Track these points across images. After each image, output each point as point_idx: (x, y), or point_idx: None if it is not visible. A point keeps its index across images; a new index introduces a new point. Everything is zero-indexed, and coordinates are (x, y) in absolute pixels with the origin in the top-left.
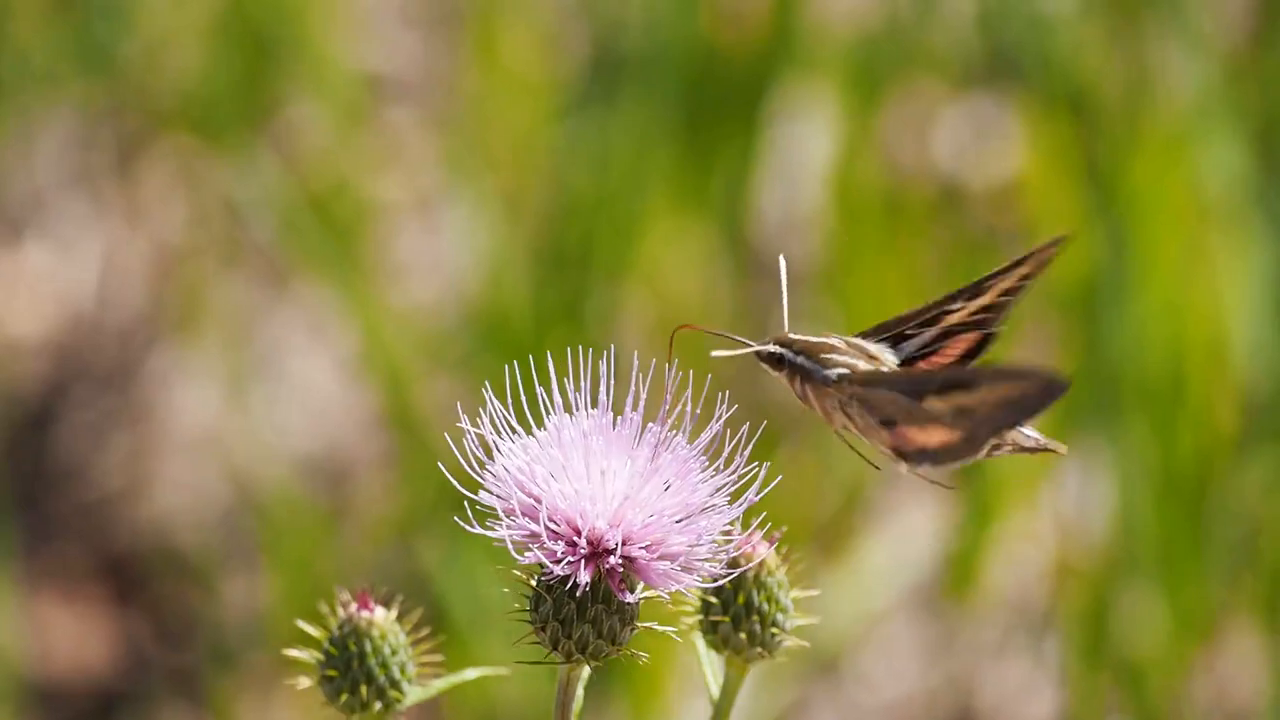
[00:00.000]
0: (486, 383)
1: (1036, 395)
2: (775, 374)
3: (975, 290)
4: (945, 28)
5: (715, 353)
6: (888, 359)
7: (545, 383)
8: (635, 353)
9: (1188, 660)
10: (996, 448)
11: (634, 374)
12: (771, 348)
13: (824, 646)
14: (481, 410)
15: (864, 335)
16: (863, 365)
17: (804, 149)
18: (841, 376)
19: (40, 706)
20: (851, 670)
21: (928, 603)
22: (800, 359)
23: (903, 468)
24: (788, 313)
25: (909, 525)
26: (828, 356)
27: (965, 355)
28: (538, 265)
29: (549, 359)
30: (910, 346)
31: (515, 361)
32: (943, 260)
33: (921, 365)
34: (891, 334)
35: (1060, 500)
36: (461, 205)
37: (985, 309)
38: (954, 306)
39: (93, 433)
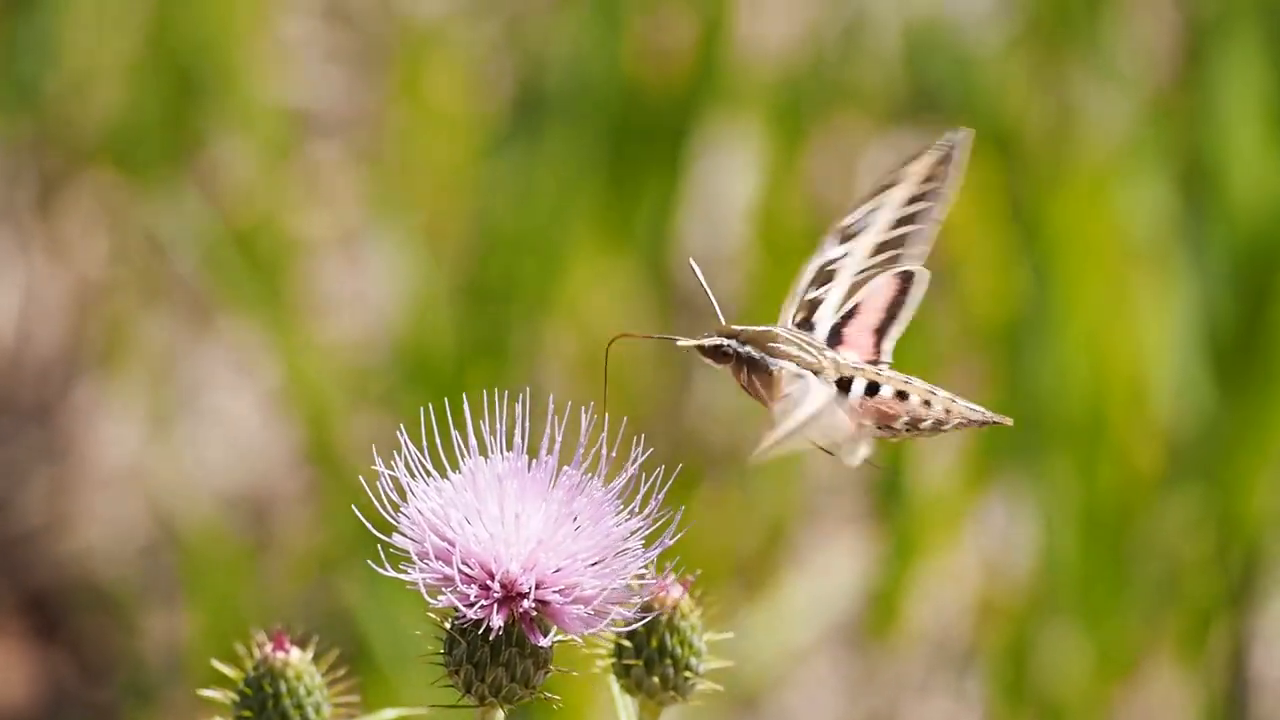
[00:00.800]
0: (401, 426)
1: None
2: (719, 367)
3: (844, 233)
4: (870, 64)
5: (681, 341)
6: (820, 341)
7: (461, 426)
8: (551, 395)
9: (1109, 698)
10: (942, 423)
11: (550, 416)
12: (715, 340)
13: (746, 683)
14: (397, 453)
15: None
16: (808, 357)
17: (728, 185)
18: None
19: None
20: (774, 707)
21: (850, 639)
22: (746, 349)
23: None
24: (719, 308)
25: (832, 562)
26: (774, 345)
27: (892, 306)
28: (461, 301)
29: (464, 401)
30: (826, 313)
31: (431, 404)
32: None
33: (844, 334)
34: (804, 310)
35: (983, 538)
36: (386, 241)
37: (884, 245)
38: (836, 254)
39: (14, 468)
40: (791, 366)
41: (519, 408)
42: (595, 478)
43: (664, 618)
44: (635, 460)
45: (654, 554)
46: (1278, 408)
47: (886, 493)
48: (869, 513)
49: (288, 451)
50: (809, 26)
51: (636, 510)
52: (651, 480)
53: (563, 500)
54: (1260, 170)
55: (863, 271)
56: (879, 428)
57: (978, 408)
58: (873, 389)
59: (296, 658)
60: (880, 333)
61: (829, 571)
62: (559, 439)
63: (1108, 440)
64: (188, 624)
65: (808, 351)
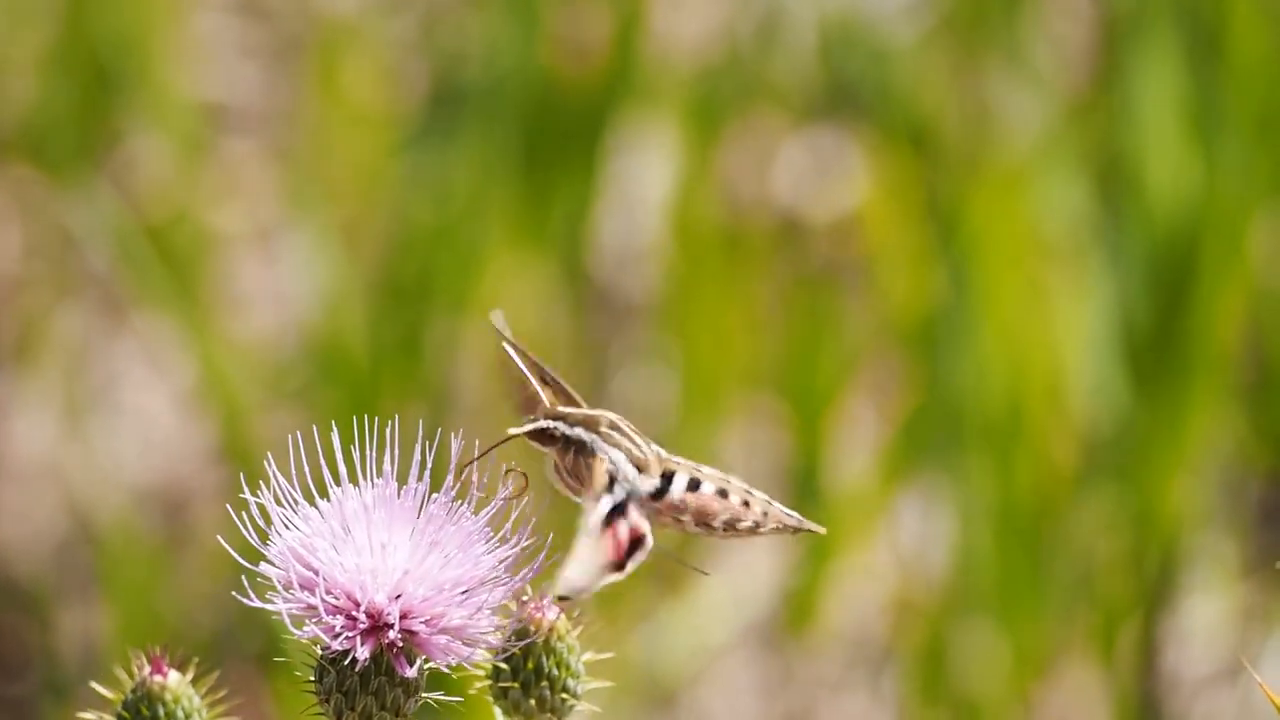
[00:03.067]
0: (269, 454)
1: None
2: (544, 450)
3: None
4: (786, 60)
5: (511, 431)
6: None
7: (330, 458)
8: (420, 421)
9: (1026, 696)
10: (759, 525)
11: (420, 441)
12: (541, 423)
13: (663, 681)
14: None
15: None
16: (636, 451)
17: (644, 182)
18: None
19: None
20: (689, 706)
21: (766, 638)
22: (576, 431)
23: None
24: (543, 391)
25: (748, 561)
26: (606, 432)
27: None
28: (376, 298)
29: (333, 428)
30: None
31: (299, 433)
32: (783, 294)
33: None
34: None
35: (899, 536)
36: (301, 237)
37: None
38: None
39: None
40: (620, 457)
41: (388, 432)
42: (465, 505)
43: (540, 640)
44: (506, 487)
45: (520, 583)
46: (1193, 407)
47: (803, 490)
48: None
49: (202, 447)
50: (724, 22)
51: (508, 537)
52: (521, 508)
53: (431, 529)
54: (1176, 169)
55: None
56: (696, 525)
57: (793, 513)
58: (694, 485)
59: (174, 681)
60: None
61: (745, 570)
62: (429, 465)
63: (1024, 438)
64: (104, 619)
65: (636, 445)
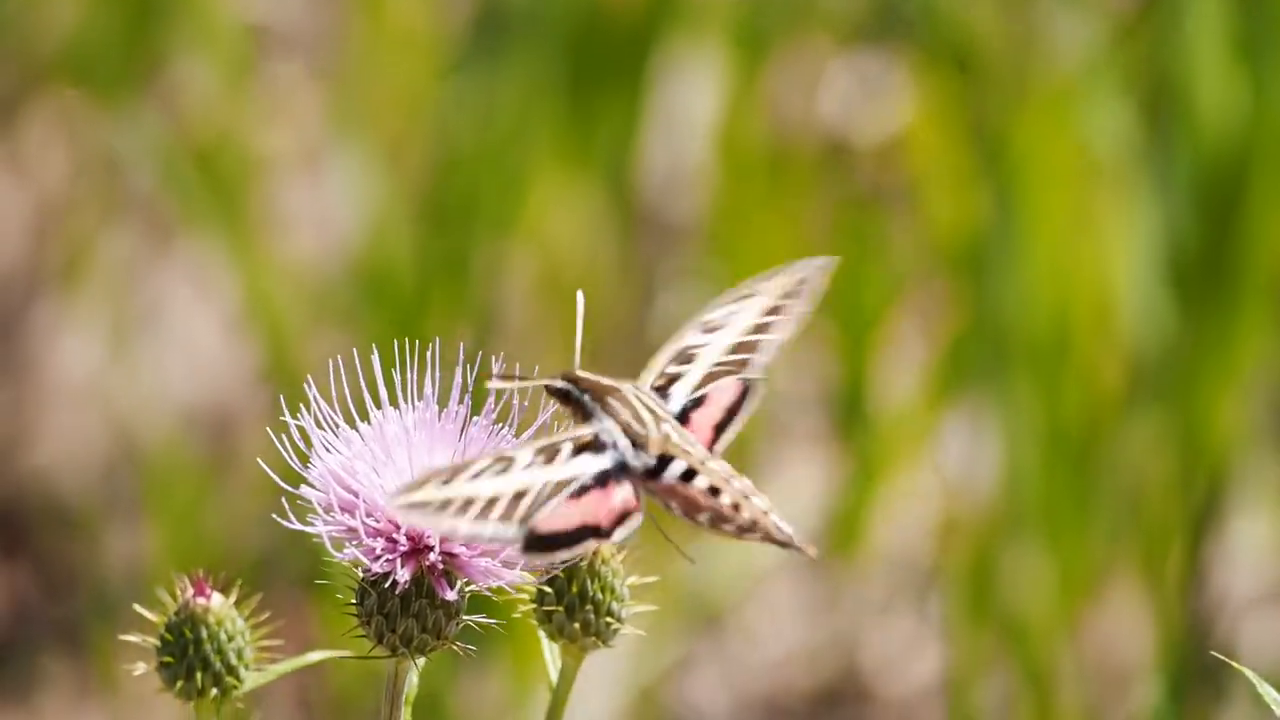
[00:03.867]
0: (309, 378)
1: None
2: (564, 409)
3: (708, 325)
4: None
5: (492, 383)
6: (669, 412)
7: (371, 380)
8: (462, 344)
9: (1072, 618)
10: (748, 530)
11: (461, 363)
12: (559, 383)
13: (709, 603)
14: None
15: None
16: (637, 427)
17: (690, 105)
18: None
19: None
20: (736, 628)
21: (812, 561)
22: (584, 397)
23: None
24: (580, 351)
25: (794, 482)
26: (611, 401)
27: (731, 408)
28: (422, 220)
29: (374, 351)
30: (681, 391)
31: (340, 357)
32: (828, 217)
33: (691, 418)
34: (663, 380)
35: (946, 458)
36: (346, 159)
37: (738, 347)
38: (698, 341)
39: None
40: (611, 427)
41: (429, 355)
42: (508, 428)
43: (585, 563)
44: (547, 408)
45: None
46: (1241, 328)
47: (849, 411)
48: (831, 431)
49: (247, 370)
50: None
51: None
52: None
53: (472, 452)
54: (1224, 90)
55: (717, 364)
56: (681, 513)
57: (787, 529)
58: (689, 475)
59: (217, 603)
60: (719, 429)
61: (791, 492)
62: (470, 388)
63: (1071, 360)
64: (149, 541)
65: (641, 420)
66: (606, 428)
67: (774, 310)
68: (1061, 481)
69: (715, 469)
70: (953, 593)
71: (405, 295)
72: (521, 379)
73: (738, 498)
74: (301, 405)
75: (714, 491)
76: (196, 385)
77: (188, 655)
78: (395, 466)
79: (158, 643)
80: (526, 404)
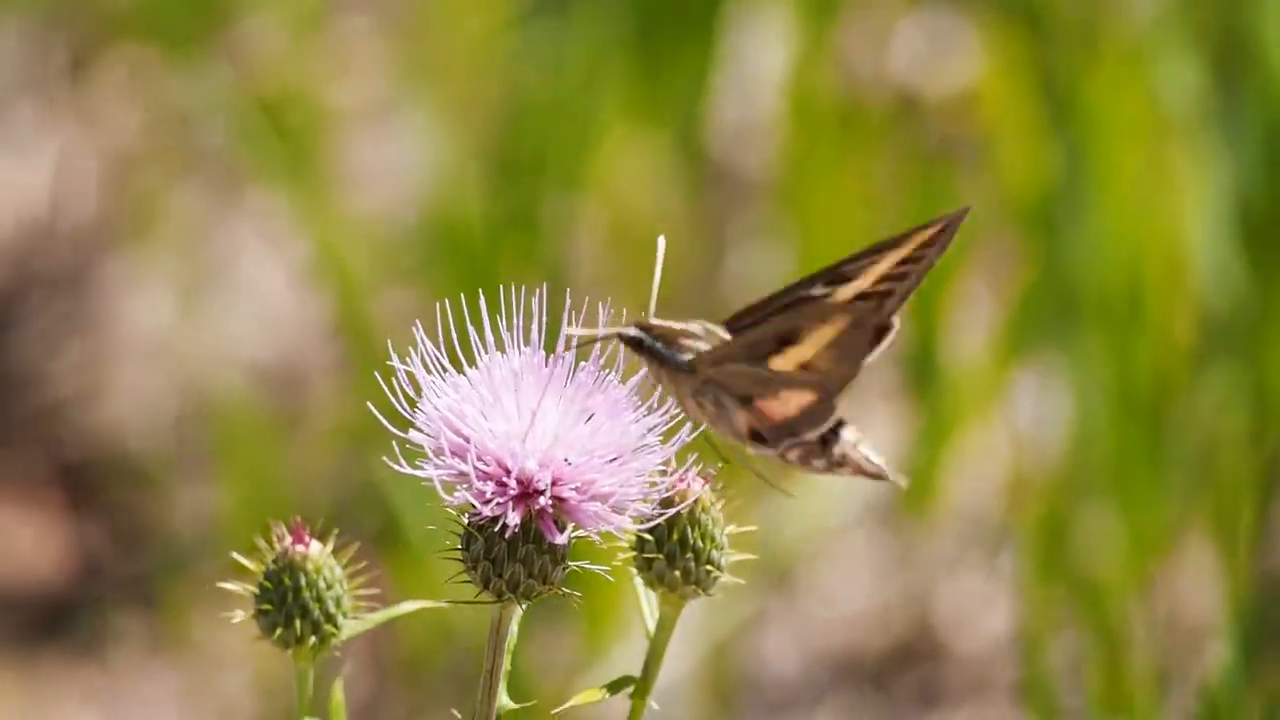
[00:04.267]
0: (418, 322)
1: (858, 333)
2: (638, 357)
3: (834, 274)
4: None
5: (569, 330)
6: None
7: (477, 320)
8: (568, 290)
9: (1144, 576)
10: (839, 465)
11: (567, 310)
12: (631, 331)
13: (781, 561)
14: (426, 333)
15: (729, 325)
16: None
17: (760, 59)
18: (692, 360)
19: None
20: (808, 585)
21: (884, 517)
22: (656, 344)
23: (756, 456)
24: (656, 297)
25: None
26: (686, 343)
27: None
28: (491, 174)
29: (481, 295)
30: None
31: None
32: (898, 172)
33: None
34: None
35: (1016, 415)
36: (415, 113)
37: (864, 296)
38: (813, 290)
39: (45, 340)
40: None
41: (535, 303)
42: (613, 373)
43: (685, 512)
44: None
45: (671, 450)
46: None
47: (920, 368)
48: (902, 388)
49: (318, 324)
50: None
51: (655, 407)
52: None
53: (580, 397)
54: None
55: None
56: (755, 442)
57: (877, 460)
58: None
59: (316, 551)
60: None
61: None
62: (575, 335)
63: (1141, 317)
64: (219, 496)
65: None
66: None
67: (910, 260)
68: (1132, 439)
69: None
70: (1024, 550)
71: (475, 249)
72: (592, 332)
73: (825, 432)
74: (409, 349)
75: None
76: (266, 340)
77: (287, 603)
78: (504, 410)
79: (256, 590)
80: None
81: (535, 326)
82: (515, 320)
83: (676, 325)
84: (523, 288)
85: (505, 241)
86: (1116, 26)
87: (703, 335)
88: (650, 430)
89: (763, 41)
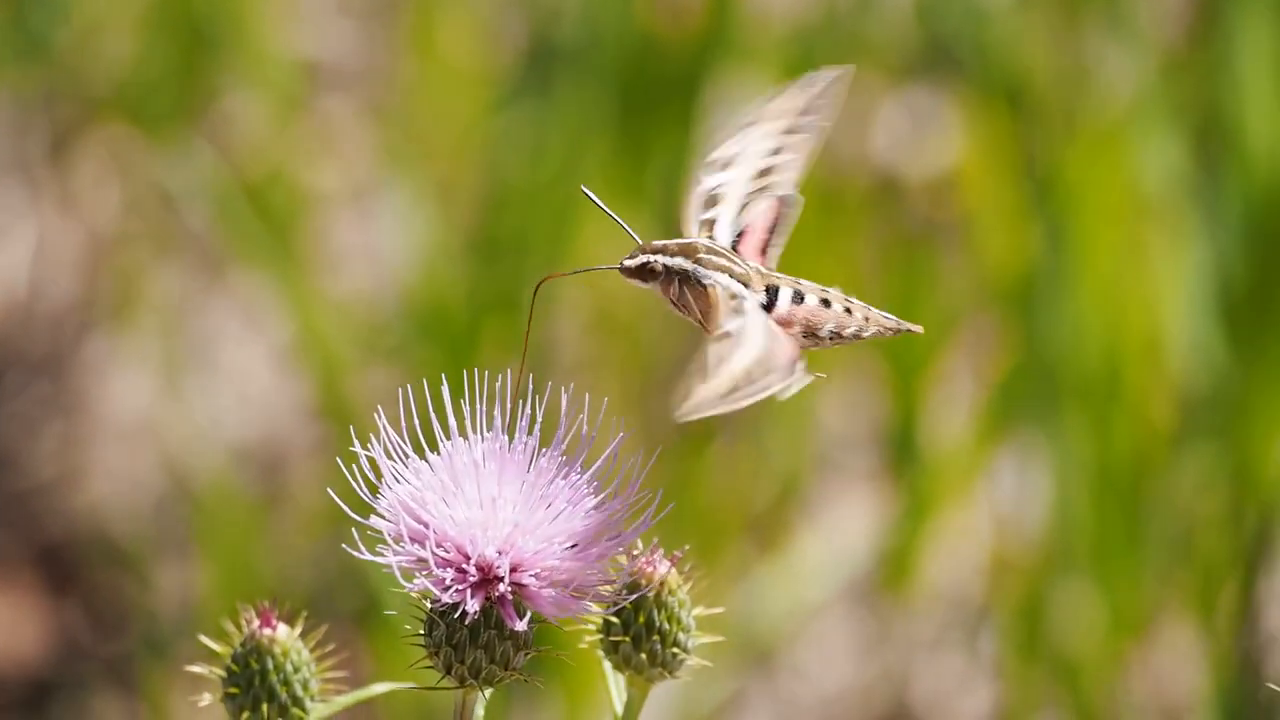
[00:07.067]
0: (379, 408)
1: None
2: (646, 286)
3: (721, 161)
4: (883, 18)
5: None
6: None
7: (439, 408)
8: (531, 375)
9: (1123, 656)
10: (862, 331)
11: (530, 395)
12: (641, 258)
13: (760, 639)
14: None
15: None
16: (737, 268)
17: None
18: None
19: None
20: (787, 663)
21: (863, 596)
22: (677, 260)
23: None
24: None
25: (845, 518)
26: (702, 257)
27: (772, 227)
28: (473, 255)
29: (443, 381)
30: (722, 235)
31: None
32: (879, 253)
33: (739, 250)
34: (705, 230)
35: (996, 495)
36: (397, 195)
37: (762, 173)
38: (717, 181)
39: (26, 421)
40: (725, 279)
41: (499, 386)
42: (577, 459)
43: (651, 594)
44: (619, 438)
45: (631, 537)
46: None
47: (900, 448)
48: (882, 468)
49: (299, 405)
50: None
51: (617, 493)
52: (631, 463)
53: (540, 483)
54: (1274, 126)
55: (747, 195)
56: (805, 336)
57: (891, 316)
58: (799, 297)
59: (283, 634)
60: (764, 253)
61: (842, 528)
62: (539, 419)
63: (1121, 397)
64: (200, 578)
65: (734, 262)
66: (719, 280)
67: (792, 130)
68: (1112, 518)
69: (811, 286)
70: (1004, 630)
71: (457, 330)
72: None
73: (845, 303)
74: (371, 436)
75: (825, 304)
76: (247, 421)
77: (254, 686)
78: (465, 497)
79: (223, 673)
80: (594, 436)
81: (498, 411)
82: (479, 406)
83: (680, 241)
84: (505, 370)
85: (486, 323)
86: (1096, 107)
87: (707, 246)
88: (612, 516)
89: None
